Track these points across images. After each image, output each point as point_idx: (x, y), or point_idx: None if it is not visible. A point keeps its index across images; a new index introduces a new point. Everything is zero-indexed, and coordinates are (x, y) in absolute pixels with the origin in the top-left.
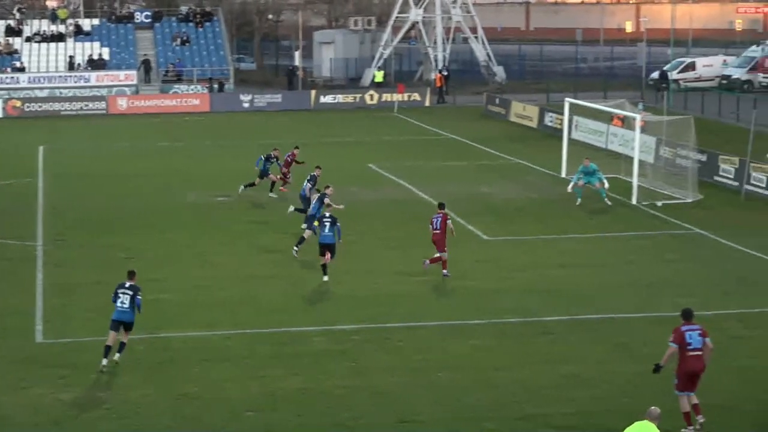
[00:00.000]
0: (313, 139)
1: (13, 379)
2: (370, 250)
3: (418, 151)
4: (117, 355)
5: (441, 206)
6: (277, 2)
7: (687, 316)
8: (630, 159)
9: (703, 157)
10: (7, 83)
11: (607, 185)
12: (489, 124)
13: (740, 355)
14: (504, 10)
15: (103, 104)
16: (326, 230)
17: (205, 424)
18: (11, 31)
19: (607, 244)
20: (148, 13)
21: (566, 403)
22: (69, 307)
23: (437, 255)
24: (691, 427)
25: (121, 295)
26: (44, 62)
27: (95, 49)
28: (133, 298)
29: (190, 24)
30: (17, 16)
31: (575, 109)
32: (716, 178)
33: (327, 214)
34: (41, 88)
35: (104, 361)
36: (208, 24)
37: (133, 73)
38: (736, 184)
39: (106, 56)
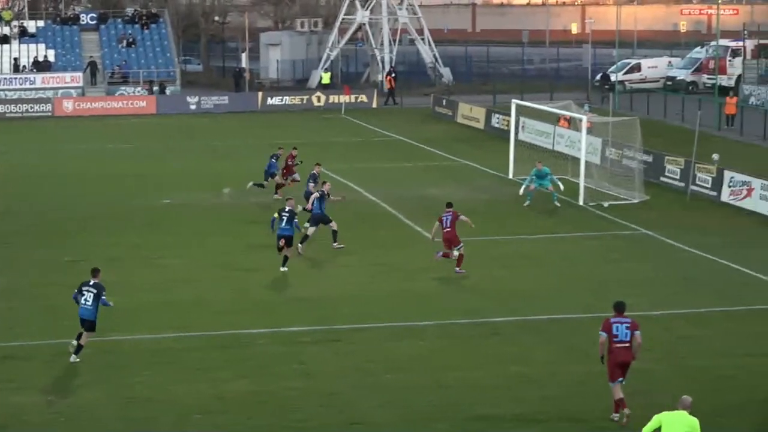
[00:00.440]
0: (261, 140)
1: None
2: (318, 251)
3: (365, 153)
4: (73, 357)
5: (449, 205)
6: (223, 4)
7: (618, 308)
8: (576, 160)
9: (649, 158)
10: None
11: (562, 187)
12: (436, 125)
13: (688, 355)
14: (450, 12)
15: (48, 106)
16: (284, 224)
17: (154, 427)
18: None
19: (555, 245)
20: (94, 15)
21: (516, 403)
22: (14, 311)
23: (445, 251)
24: (617, 414)
25: (85, 292)
26: None
27: (40, 51)
28: (97, 297)
29: (136, 26)
30: None
31: (522, 111)
32: (662, 178)
33: (286, 209)
34: None
35: (72, 357)
36: (154, 26)
37: (79, 75)
38: (681, 184)
39: (51, 58)
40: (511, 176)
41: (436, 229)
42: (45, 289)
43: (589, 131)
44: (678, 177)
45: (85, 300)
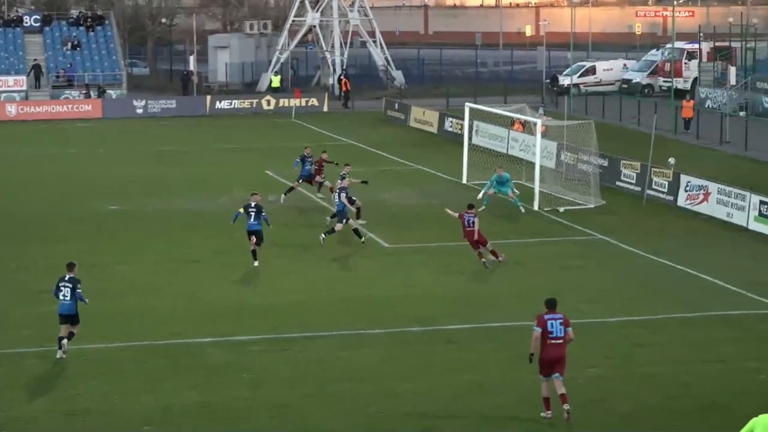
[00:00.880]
0: (209, 145)
1: None
2: (267, 258)
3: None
4: (60, 352)
5: (470, 207)
6: (170, 6)
7: (550, 305)
8: (531, 164)
9: (605, 162)
10: None
11: (518, 193)
12: (388, 129)
13: (644, 362)
14: (402, 14)
15: None
16: (252, 219)
17: None
18: None
19: (510, 251)
20: (38, 17)
21: (469, 412)
22: None
23: (490, 248)
24: (549, 412)
25: (62, 288)
26: None
27: None
28: (73, 291)
29: (81, 28)
30: None
31: (476, 114)
32: (618, 183)
33: (252, 204)
34: None
35: (59, 353)
36: (99, 28)
37: (23, 78)
38: (638, 189)
39: None
40: (464, 181)
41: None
42: None
43: (544, 135)
44: (634, 181)
45: (64, 296)
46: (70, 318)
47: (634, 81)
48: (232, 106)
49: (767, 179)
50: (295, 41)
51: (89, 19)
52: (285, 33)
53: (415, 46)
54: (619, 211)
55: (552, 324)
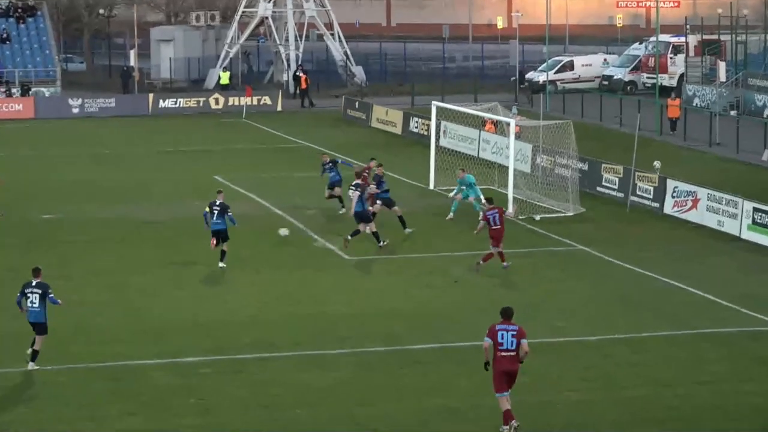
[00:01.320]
0: (152, 147)
1: None
2: (216, 270)
3: (269, 161)
4: (31, 364)
5: (490, 200)
6: None
7: (505, 314)
8: (504, 168)
9: (585, 166)
10: None
11: (483, 200)
12: (348, 130)
13: (628, 384)
14: (362, 5)
15: None
16: (215, 218)
17: None
18: None
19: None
20: None
21: None
22: None
23: (489, 252)
24: (514, 421)
25: (29, 294)
26: None
27: None
28: (43, 297)
29: (11, 19)
30: None
31: (443, 114)
32: (599, 188)
33: (217, 202)
34: None
35: (30, 365)
36: (31, 20)
37: None
38: (620, 195)
39: None
40: (431, 186)
41: (481, 228)
42: None
43: (518, 136)
44: (616, 187)
45: (32, 302)
46: (37, 326)
47: (615, 77)
48: (177, 105)
49: (761, 184)
50: (246, 34)
51: (19, 10)
52: (234, 25)
53: (376, 39)
54: (600, 219)
55: (503, 335)
